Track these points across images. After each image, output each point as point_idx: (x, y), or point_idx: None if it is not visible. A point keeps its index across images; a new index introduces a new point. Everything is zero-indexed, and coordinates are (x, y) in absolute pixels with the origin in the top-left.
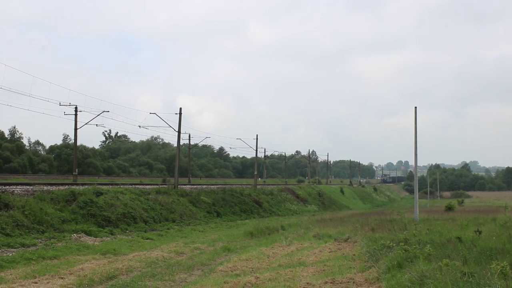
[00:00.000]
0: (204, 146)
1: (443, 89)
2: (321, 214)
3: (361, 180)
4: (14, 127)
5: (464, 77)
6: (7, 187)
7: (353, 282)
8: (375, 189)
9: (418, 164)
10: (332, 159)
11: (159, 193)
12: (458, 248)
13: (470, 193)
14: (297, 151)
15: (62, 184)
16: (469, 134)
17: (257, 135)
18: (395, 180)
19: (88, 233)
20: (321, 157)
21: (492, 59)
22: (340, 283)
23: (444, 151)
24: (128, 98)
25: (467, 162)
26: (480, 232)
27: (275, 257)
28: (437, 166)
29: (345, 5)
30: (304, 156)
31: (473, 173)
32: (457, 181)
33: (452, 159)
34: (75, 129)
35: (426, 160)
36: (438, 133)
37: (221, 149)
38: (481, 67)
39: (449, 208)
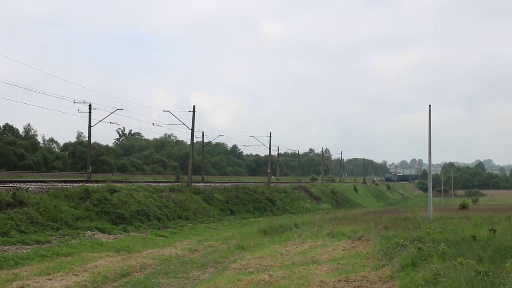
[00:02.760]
0: (217, 143)
1: (458, 86)
2: (334, 212)
3: (375, 178)
4: (29, 125)
5: (479, 74)
6: (22, 184)
7: (367, 280)
8: (388, 187)
9: (432, 162)
10: (345, 157)
11: (173, 191)
12: (473, 246)
13: (484, 191)
14: (310, 149)
15: (76, 182)
16: (484, 132)
17: (270, 133)
18: (408, 178)
19: (102, 230)
20: (335, 155)
21: (508, 55)
22: (354, 281)
23: (458, 148)
24: (142, 96)
25: (481, 160)
26: (494, 231)
27: (289, 255)
28: (451, 164)
29: (360, 1)
30: (317, 154)
31: (487, 171)
32: (471, 180)
33: (466, 157)
34: (89, 126)
35: (440, 158)
36: (452, 131)
37: (235, 146)
38: (496, 64)
39: (463, 207)
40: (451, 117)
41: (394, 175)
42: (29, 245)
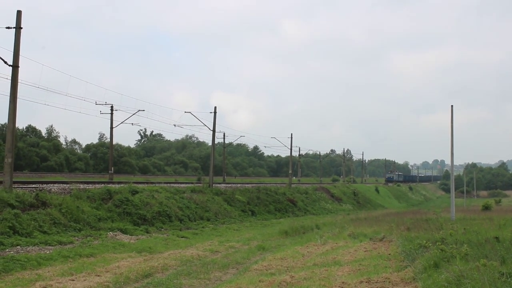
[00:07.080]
0: (238, 144)
1: (482, 85)
2: (356, 213)
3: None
4: (51, 126)
5: (505, 72)
6: (45, 185)
7: (389, 282)
8: (410, 188)
9: (454, 163)
10: (367, 157)
11: (194, 192)
12: (496, 248)
13: (507, 192)
14: (332, 150)
15: (98, 183)
16: (507, 132)
17: (291, 134)
18: (430, 179)
19: (124, 231)
20: (356, 156)
21: None
22: (376, 282)
23: (481, 149)
24: (163, 97)
25: (505, 161)
26: None
27: (310, 256)
28: (473, 165)
29: (383, 1)
30: (339, 155)
31: (510, 172)
32: (494, 180)
33: (489, 158)
34: (111, 128)
35: (462, 159)
36: (475, 131)
37: (256, 147)
38: None
39: (486, 208)
40: (475, 117)
41: (398, 174)
42: (52, 245)
